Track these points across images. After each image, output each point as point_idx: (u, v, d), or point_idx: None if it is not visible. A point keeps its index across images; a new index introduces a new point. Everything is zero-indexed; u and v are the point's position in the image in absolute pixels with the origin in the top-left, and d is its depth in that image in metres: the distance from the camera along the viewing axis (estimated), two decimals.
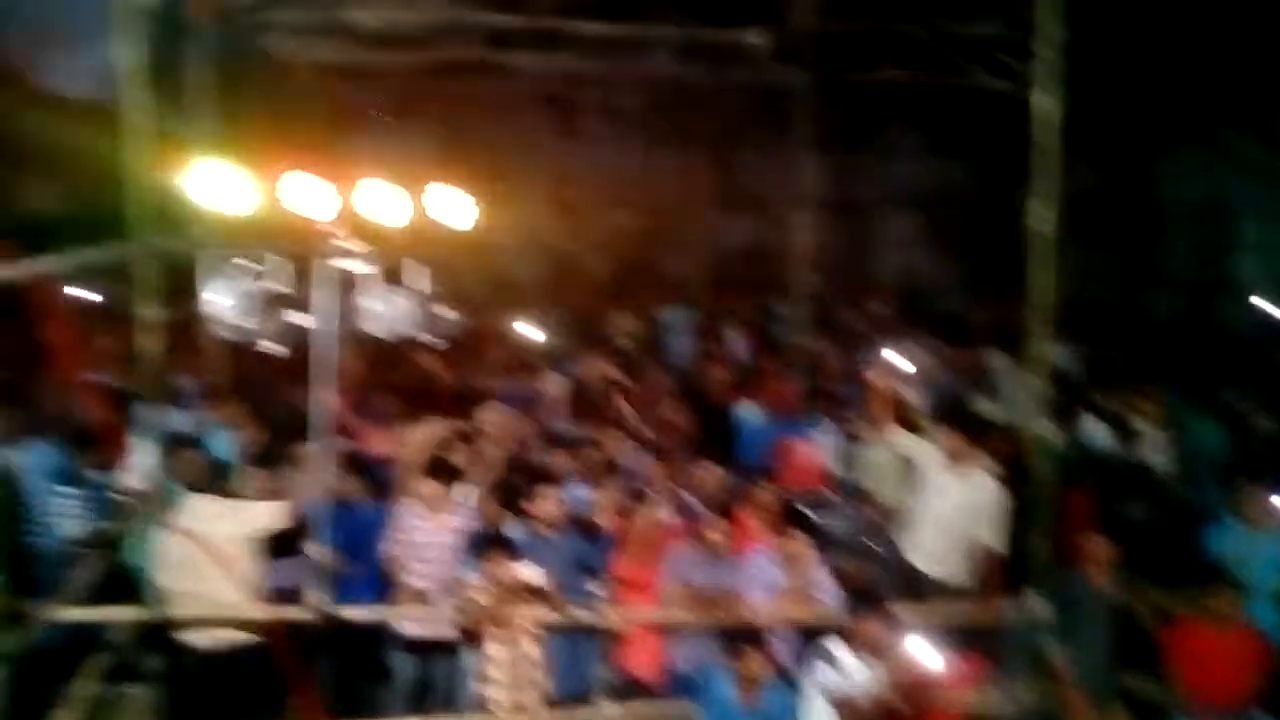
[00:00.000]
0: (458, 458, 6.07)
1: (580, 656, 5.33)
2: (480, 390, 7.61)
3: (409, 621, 5.51)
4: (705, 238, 13.09)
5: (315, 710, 4.70)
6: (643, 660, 5.43)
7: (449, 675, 5.44)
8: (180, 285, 6.67)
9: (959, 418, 6.14)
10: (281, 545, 5.32)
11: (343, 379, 5.37)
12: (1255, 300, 11.37)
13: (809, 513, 5.92)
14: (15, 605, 4.47)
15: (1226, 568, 5.25)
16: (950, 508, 5.78)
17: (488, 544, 5.15)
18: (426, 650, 5.49)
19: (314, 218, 5.93)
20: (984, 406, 7.61)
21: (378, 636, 5.56)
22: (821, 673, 4.60)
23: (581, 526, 5.62)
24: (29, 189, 9.81)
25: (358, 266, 5.87)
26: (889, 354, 6.88)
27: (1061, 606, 5.20)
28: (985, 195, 13.27)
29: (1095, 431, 7.32)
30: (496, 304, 10.51)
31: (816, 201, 9.26)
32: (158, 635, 5.29)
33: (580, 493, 5.97)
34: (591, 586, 5.40)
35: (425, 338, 7.97)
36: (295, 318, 5.41)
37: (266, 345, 7.16)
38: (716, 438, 7.08)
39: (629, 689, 5.43)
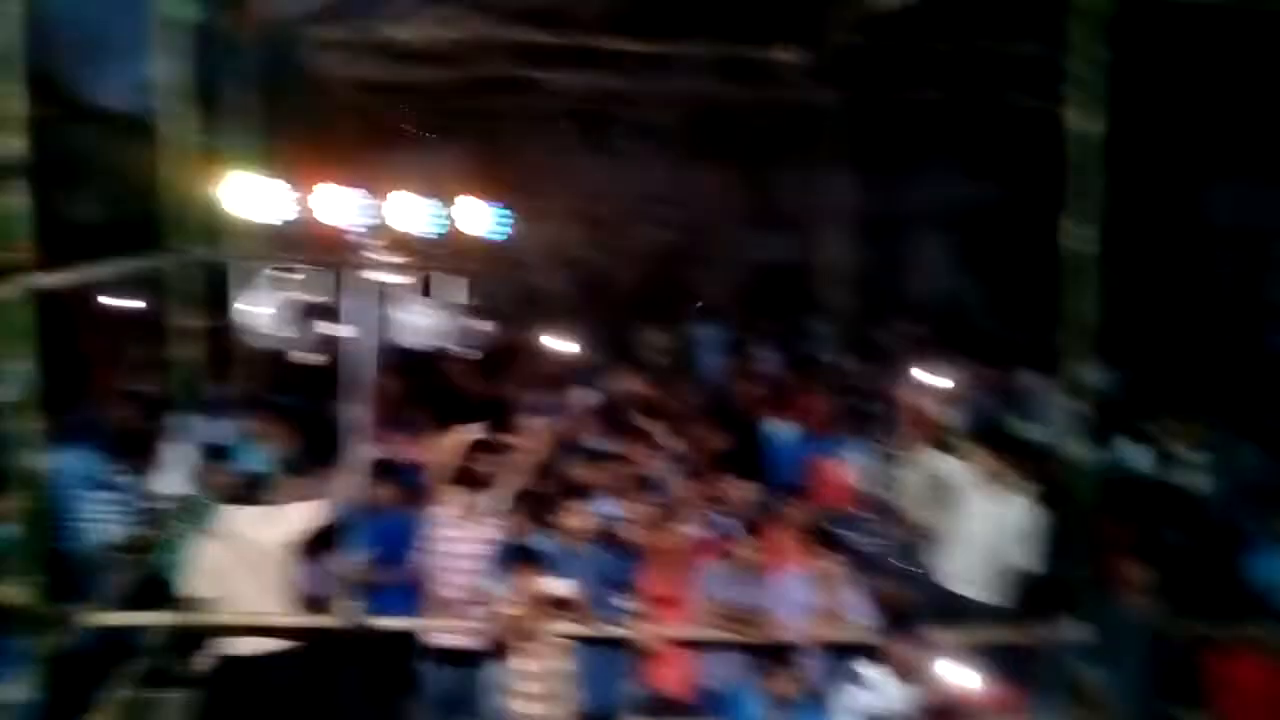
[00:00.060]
0: (486, 468, 6.08)
1: (609, 671, 5.30)
2: (511, 402, 7.62)
3: (439, 632, 5.51)
4: (737, 254, 13.07)
5: None
6: (672, 677, 5.39)
7: (478, 687, 5.43)
8: (217, 295, 6.74)
9: (995, 439, 6.08)
10: (316, 550, 5.34)
11: (375, 389, 5.40)
12: None
13: (841, 532, 5.88)
14: (52, 609, 4.50)
15: (1268, 596, 5.14)
16: (985, 529, 5.71)
17: (517, 556, 5.14)
18: (456, 661, 5.49)
19: (349, 230, 5.98)
20: (1020, 428, 7.52)
21: (408, 646, 5.56)
22: (853, 694, 4.55)
23: (611, 541, 5.60)
24: (71, 200, 9.97)
25: (392, 278, 5.90)
26: (922, 373, 6.82)
27: (1099, 632, 5.11)
28: (1021, 215, 13.18)
29: (1134, 455, 7.22)
30: (527, 317, 10.53)
31: (849, 219, 9.23)
32: (193, 641, 5.33)
33: (610, 507, 5.96)
34: (620, 601, 5.38)
35: (457, 349, 8.01)
36: (330, 328, 5.46)
37: (301, 355, 7.22)
38: (747, 455, 7.03)
39: (658, 705, 5.39)
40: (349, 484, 5.21)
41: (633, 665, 5.39)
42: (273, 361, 8.11)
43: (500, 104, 12.82)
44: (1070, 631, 5.17)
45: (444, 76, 11.53)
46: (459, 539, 5.54)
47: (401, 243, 5.96)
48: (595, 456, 6.64)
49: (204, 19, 6.72)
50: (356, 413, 5.12)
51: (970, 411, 7.72)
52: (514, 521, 5.64)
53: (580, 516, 5.48)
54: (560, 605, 5.02)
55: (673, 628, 5.38)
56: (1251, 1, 7.26)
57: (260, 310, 6.48)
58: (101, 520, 5.87)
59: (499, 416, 6.91)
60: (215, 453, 6.01)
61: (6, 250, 4.09)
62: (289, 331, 8.42)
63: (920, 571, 6.06)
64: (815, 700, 4.79)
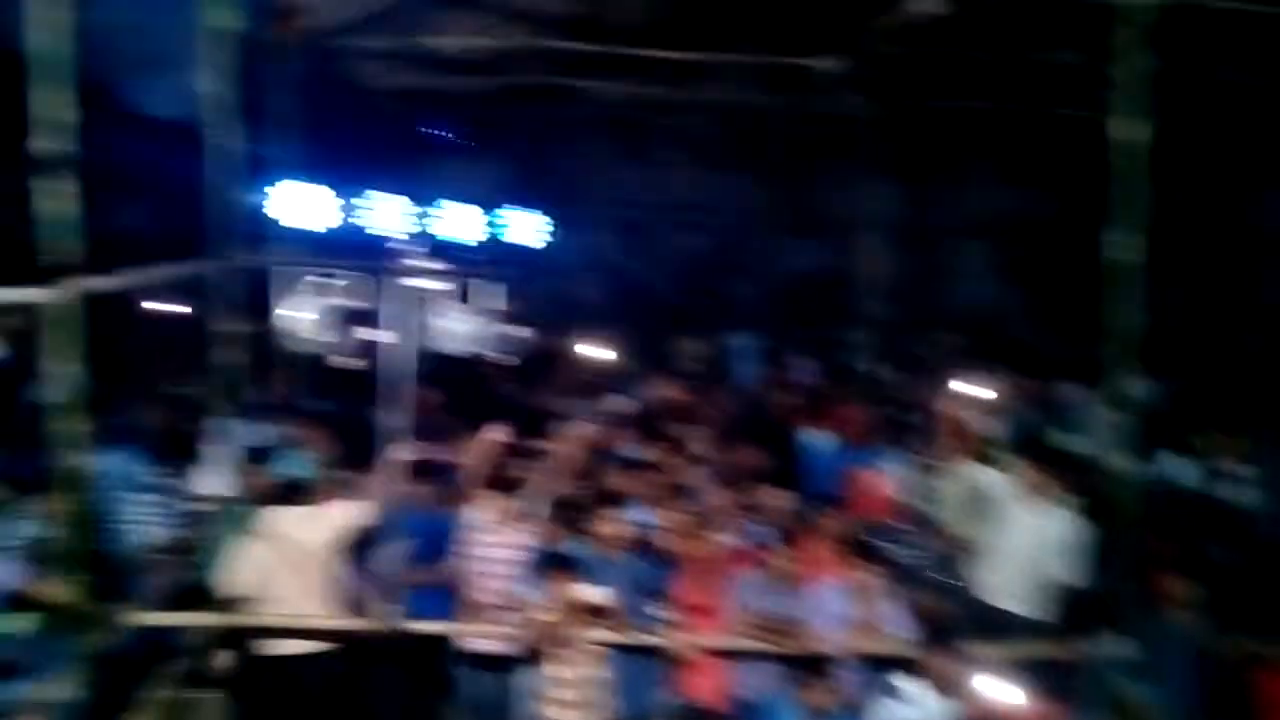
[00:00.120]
0: (522, 473, 6.10)
1: (643, 679, 5.28)
2: (547, 409, 7.64)
3: (474, 637, 5.53)
4: (774, 263, 13.04)
5: None
6: (706, 686, 5.36)
7: (512, 693, 5.44)
8: (260, 301, 6.83)
9: (1036, 451, 6.00)
10: (355, 551, 5.37)
11: (413, 394, 5.44)
12: None
13: (878, 543, 5.83)
14: (95, 609, 4.56)
15: None
16: (1026, 543, 5.63)
17: (552, 563, 5.15)
18: (490, 666, 5.50)
19: (390, 237, 6.04)
20: (1062, 440, 7.42)
21: (444, 650, 5.58)
22: (890, 707, 4.50)
23: (646, 549, 5.59)
24: (117, 207, 10.15)
25: (430, 285, 5.95)
26: (962, 384, 6.76)
27: (1143, 649, 5.02)
28: (1062, 224, 13.04)
29: (1178, 468, 7.10)
30: (564, 324, 10.56)
31: (887, 228, 9.17)
32: (233, 641, 5.38)
33: (645, 515, 5.95)
34: (655, 610, 5.36)
35: (494, 355, 8.05)
36: (369, 334, 5.52)
37: (341, 360, 7.30)
38: (783, 464, 7.00)
39: (692, 715, 5.37)
40: (387, 487, 5.25)
41: (667, 674, 5.37)
42: (313, 366, 8.20)
43: (540, 113, 12.92)
44: (1114, 647, 5.08)
45: (484, 86, 11.64)
46: (494, 544, 5.56)
47: (441, 249, 6.01)
48: (630, 464, 6.64)
49: (250, 29, 6.83)
50: (394, 417, 5.15)
51: (1011, 423, 7.64)
52: (549, 527, 5.65)
53: (615, 524, 5.47)
54: (595, 612, 5.01)
55: (707, 637, 5.35)
56: None
57: (301, 316, 6.56)
58: (144, 522, 5.95)
59: (534, 422, 6.93)
60: (255, 455, 6.08)
61: (57, 255, 4.17)
62: (329, 337, 8.51)
63: (959, 584, 5.99)
64: (852, 713, 4.75)
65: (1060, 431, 7.76)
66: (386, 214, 6.88)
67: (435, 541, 5.66)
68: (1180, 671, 4.97)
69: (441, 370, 8.04)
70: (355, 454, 6.15)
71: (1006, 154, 13.20)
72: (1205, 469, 7.03)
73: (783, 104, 11.16)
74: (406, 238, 6.00)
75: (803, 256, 14.23)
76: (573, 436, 6.46)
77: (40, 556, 5.17)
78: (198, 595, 5.52)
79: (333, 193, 7.06)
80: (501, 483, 5.73)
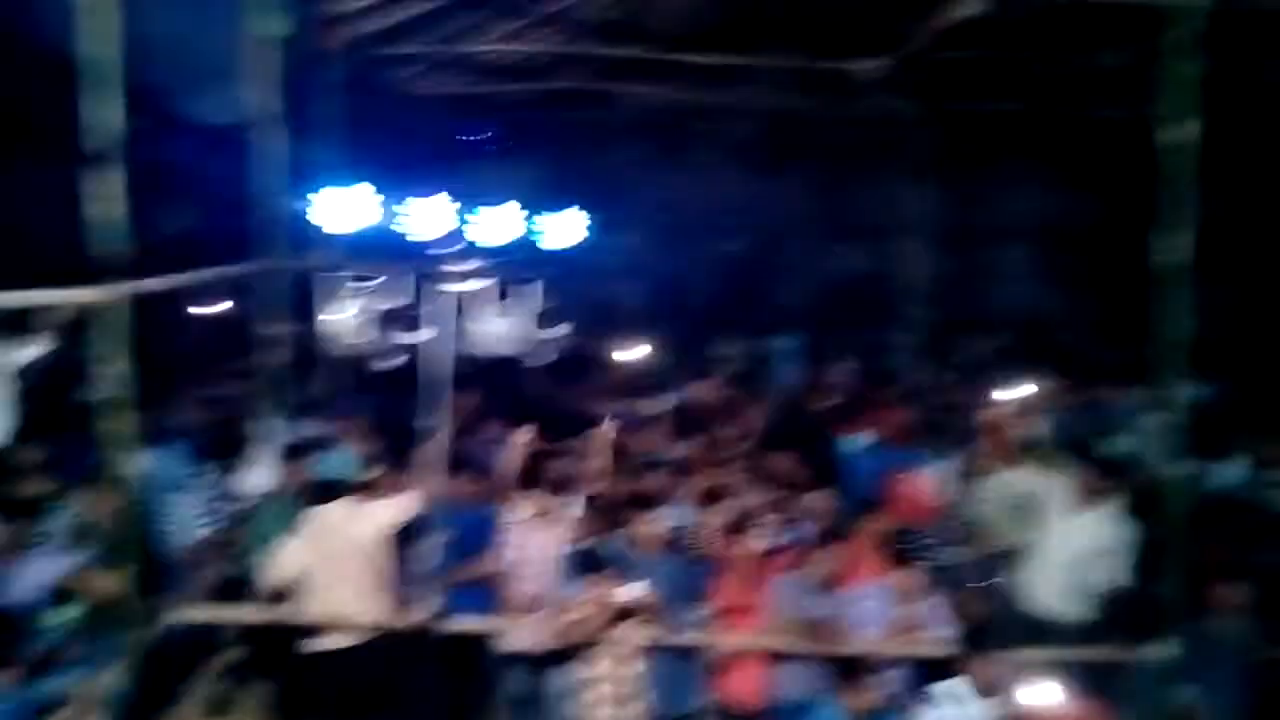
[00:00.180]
0: (560, 472, 6.12)
1: (682, 679, 5.27)
2: (585, 410, 7.66)
3: (514, 634, 5.54)
4: (814, 266, 12.98)
5: None
6: (745, 687, 5.33)
7: (551, 689, 5.45)
8: (303, 302, 6.92)
9: (1083, 455, 5.91)
10: (398, 547, 5.41)
11: (453, 394, 5.47)
12: None
13: (918, 545, 5.77)
14: (140, 603, 4.64)
15: None
16: (1073, 547, 5.55)
17: (590, 561, 5.15)
18: (528, 663, 5.51)
19: (431, 239, 6.08)
20: (1108, 443, 7.31)
21: (482, 646, 5.61)
22: (933, 711, 4.45)
23: (684, 549, 5.58)
24: (166, 212, 10.34)
25: (470, 286, 5.99)
26: (1007, 387, 6.68)
27: (1192, 654, 4.93)
28: (1108, 227, 12.84)
29: (1227, 472, 6.95)
30: (603, 327, 10.58)
31: (930, 231, 9.09)
32: (276, 636, 5.44)
33: (683, 515, 5.94)
34: (693, 609, 5.35)
35: (533, 356, 8.09)
36: (409, 335, 5.57)
37: (382, 361, 7.37)
38: (824, 466, 6.95)
39: (731, 715, 5.35)
40: (427, 486, 5.28)
41: (705, 674, 5.35)
42: (355, 366, 8.27)
43: (579, 117, 12.96)
44: (1160, 652, 4.99)
45: (524, 91, 11.71)
46: (531, 542, 5.58)
47: (480, 252, 6.05)
48: (669, 465, 6.63)
49: (293, 36, 6.93)
50: (434, 417, 5.19)
51: (1056, 426, 7.53)
52: (587, 526, 5.65)
53: (654, 524, 5.46)
54: (632, 612, 5.01)
55: (745, 638, 5.33)
56: None
57: (343, 316, 6.64)
58: (189, 518, 6.03)
59: (572, 423, 6.95)
60: (297, 452, 6.15)
61: (105, 256, 4.25)
62: (370, 337, 8.58)
63: (1001, 587, 5.92)
64: (893, 715, 4.70)
65: (1107, 435, 7.64)
66: (427, 217, 6.93)
67: (474, 540, 5.69)
68: (1228, 677, 4.87)
69: (480, 371, 8.08)
70: (396, 453, 6.20)
71: (1050, 156, 13.02)
72: (1254, 473, 6.88)
73: (823, 107, 11.11)
74: (446, 241, 6.04)
75: (843, 259, 14.15)
76: (609, 437, 6.47)
77: (88, 550, 5.26)
78: (241, 590, 5.59)
79: (374, 197, 7.12)
80: (539, 482, 5.75)
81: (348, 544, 5.21)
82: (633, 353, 8.71)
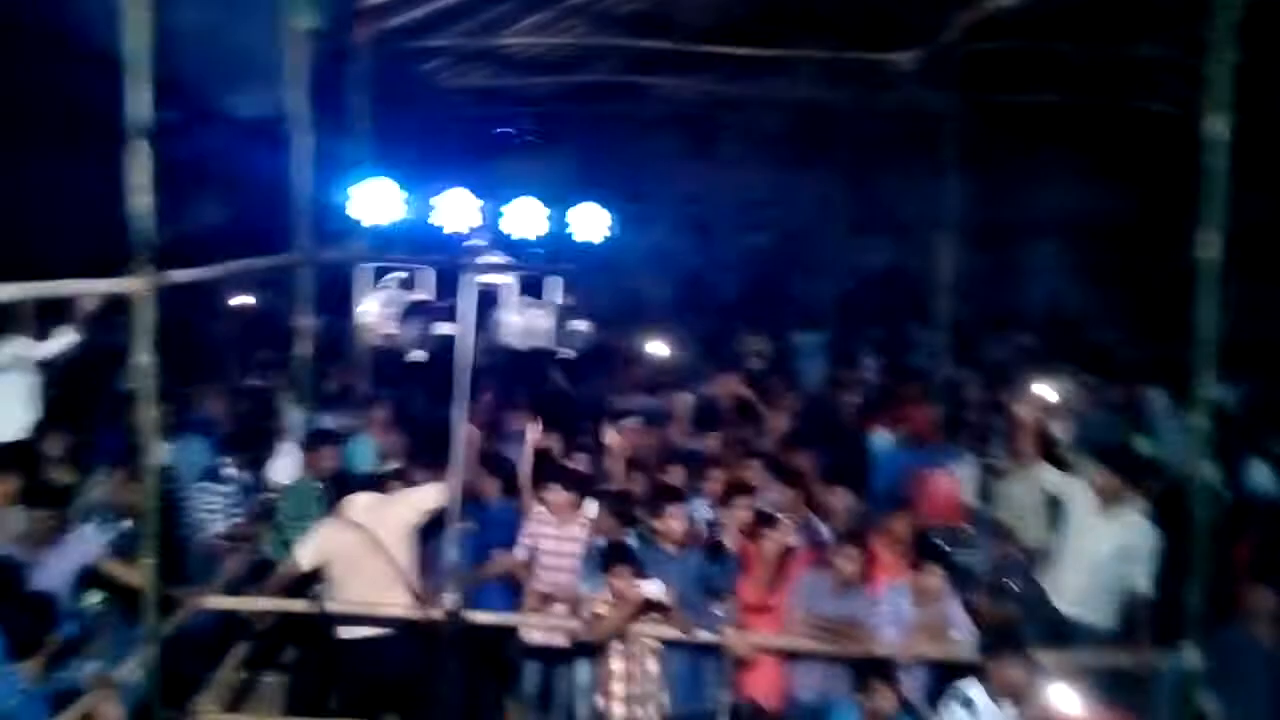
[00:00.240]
0: (581, 467, 6.12)
1: (701, 677, 5.26)
2: (610, 404, 7.67)
3: (534, 628, 5.56)
4: (840, 260, 12.90)
5: None
6: (764, 686, 5.32)
7: (570, 685, 5.46)
8: (333, 294, 6.97)
9: (1112, 456, 5.83)
10: (424, 539, 5.43)
11: (480, 387, 5.48)
12: None
13: (944, 546, 5.72)
14: (166, 592, 4.69)
15: None
16: (1100, 550, 5.48)
17: (611, 557, 5.15)
18: (548, 658, 5.53)
19: (462, 232, 6.09)
20: (1139, 445, 7.21)
21: (504, 640, 5.63)
22: (954, 714, 4.41)
23: (706, 546, 5.57)
24: (200, 203, 10.44)
25: (499, 279, 6.01)
26: (1036, 386, 6.60)
27: (1220, 661, 4.85)
28: (1142, 223, 12.66)
29: (1261, 476, 6.84)
30: (630, 321, 10.58)
31: (960, 226, 8.98)
32: (301, 626, 5.48)
33: (706, 512, 5.92)
34: (715, 607, 5.33)
35: (559, 350, 8.12)
36: (439, 327, 5.60)
37: (411, 353, 7.44)
38: (848, 464, 6.91)
39: (749, 713, 5.34)
40: (454, 479, 5.30)
41: (725, 672, 5.34)
42: (385, 359, 8.33)
43: (607, 110, 12.95)
44: (1188, 658, 4.92)
45: (553, 84, 11.71)
46: (553, 537, 5.59)
47: (509, 245, 6.05)
48: (692, 460, 6.62)
49: (324, 30, 6.97)
50: (462, 410, 5.21)
51: (1085, 426, 7.44)
52: (607, 522, 5.66)
53: (676, 520, 5.45)
54: (653, 608, 5.01)
55: (767, 636, 5.31)
56: None
57: (373, 309, 6.69)
58: (214, 509, 6.09)
59: (597, 418, 6.96)
60: (325, 442, 6.20)
61: (139, 247, 4.29)
62: (400, 330, 8.62)
63: (1027, 590, 5.86)
64: (913, 717, 4.66)
65: (1137, 436, 7.54)
66: (457, 210, 6.96)
67: (497, 536, 5.71)
68: (1255, 685, 4.78)
69: (506, 364, 8.12)
70: (424, 445, 6.24)
71: (1083, 150, 12.85)
72: None
73: (855, 99, 11.02)
74: (477, 234, 6.06)
75: (871, 254, 14.05)
76: (631, 432, 6.47)
77: (116, 538, 5.34)
78: (264, 580, 5.64)
79: (405, 190, 7.16)
80: (560, 477, 5.76)
81: (375, 534, 5.23)
82: (657, 347, 8.70)
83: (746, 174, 14.16)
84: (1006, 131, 11.81)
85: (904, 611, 5.15)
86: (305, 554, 5.26)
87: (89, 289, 5.27)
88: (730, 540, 5.65)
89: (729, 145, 14.22)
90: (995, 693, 4.30)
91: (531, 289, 6.66)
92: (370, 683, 5.27)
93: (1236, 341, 5.20)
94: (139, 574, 4.54)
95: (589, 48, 10.46)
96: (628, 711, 4.96)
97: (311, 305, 6.90)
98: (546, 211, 6.92)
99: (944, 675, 4.85)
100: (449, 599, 4.88)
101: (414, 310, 8.01)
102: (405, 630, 5.23)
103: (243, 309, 10.13)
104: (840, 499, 5.97)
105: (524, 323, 6.10)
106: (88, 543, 5.14)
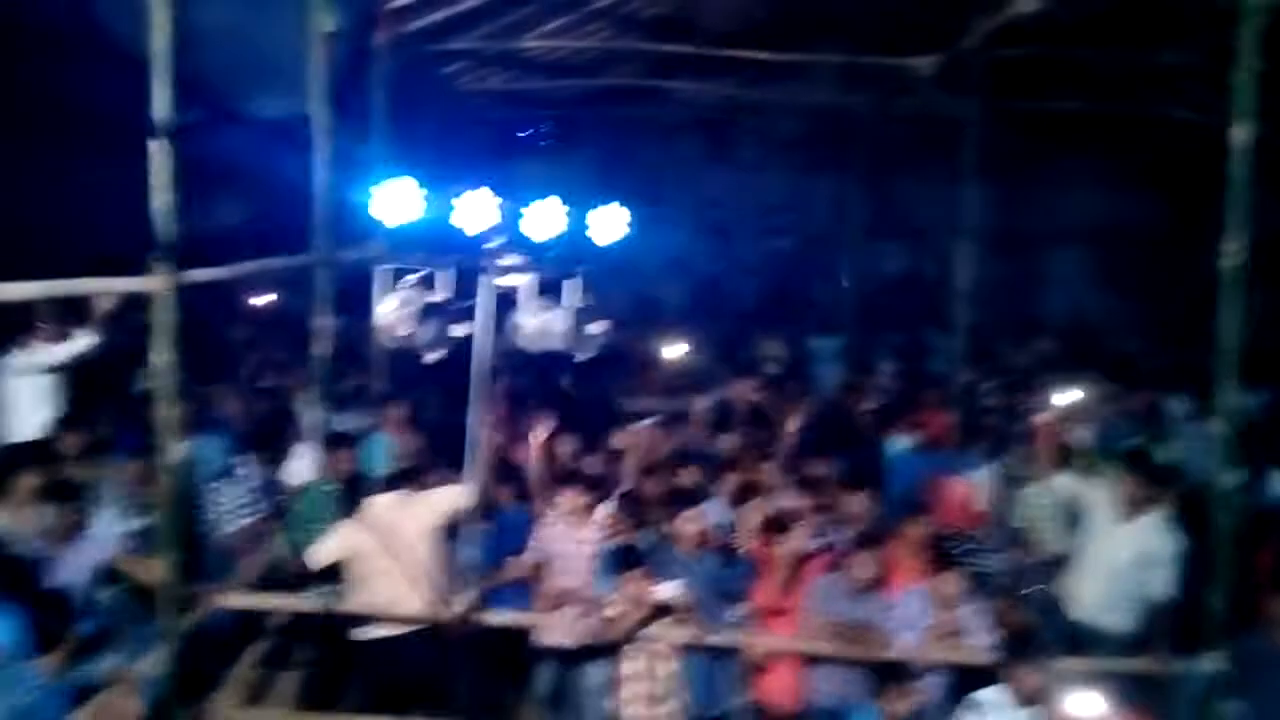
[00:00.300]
0: (596, 469, 6.11)
1: (716, 679, 5.25)
2: (625, 407, 7.67)
3: (548, 630, 5.56)
4: (859, 265, 12.87)
5: None
6: (780, 689, 5.30)
7: (584, 687, 5.46)
8: (350, 295, 6.99)
9: (1132, 463, 5.79)
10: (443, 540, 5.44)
11: (496, 389, 5.49)
12: None
13: (961, 551, 5.69)
14: (184, 588, 4.71)
15: None
16: (1119, 556, 5.44)
17: (626, 559, 5.15)
18: (563, 659, 5.53)
19: (481, 234, 6.11)
20: (1159, 452, 7.16)
21: (519, 641, 5.63)
22: (971, 718, 4.38)
23: (722, 549, 5.55)
24: (221, 203, 10.51)
25: (518, 281, 6.03)
26: (1056, 393, 6.57)
27: (1241, 669, 4.80)
28: (1165, 230, 12.58)
29: None
30: (646, 323, 10.58)
31: (979, 232, 8.95)
32: (317, 624, 5.50)
33: (722, 515, 5.91)
34: (730, 610, 5.32)
35: (576, 352, 8.12)
36: (457, 329, 5.61)
37: (429, 355, 7.45)
38: (864, 469, 6.89)
39: (765, 717, 5.32)
40: (471, 481, 5.32)
41: (740, 675, 5.33)
42: (401, 359, 8.34)
43: (626, 113, 12.97)
44: (1209, 666, 4.88)
45: (573, 87, 11.74)
46: (567, 539, 5.59)
47: (528, 247, 6.07)
48: (708, 463, 6.61)
49: (345, 31, 7.00)
50: (479, 411, 5.22)
51: (1104, 433, 7.39)
52: (622, 524, 5.65)
53: (692, 523, 5.44)
54: (668, 610, 5.00)
55: (781, 639, 5.29)
56: None
57: (391, 310, 6.71)
58: (232, 507, 6.12)
59: (611, 420, 6.96)
60: (342, 442, 6.22)
61: (160, 246, 4.32)
62: (418, 330, 8.63)
63: (1046, 596, 5.83)
64: None
65: (1158, 442, 7.48)
66: (476, 212, 6.95)
67: (513, 540, 5.72)
68: (1278, 693, 4.74)
69: (523, 366, 8.13)
70: (439, 446, 6.26)
71: (1104, 157, 12.79)
72: None
73: (874, 104, 11.00)
74: (495, 235, 6.05)
75: (890, 259, 14.01)
76: (649, 434, 6.46)
77: (135, 534, 5.37)
78: (284, 578, 5.66)
79: (423, 191, 7.18)
80: (574, 479, 5.76)
81: (397, 534, 5.24)
82: (674, 350, 8.70)
83: (765, 178, 14.15)
84: (1027, 138, 11.76)
85: (921, 616, 5.13)
86: (323, 551, 5.28)
87: (110, 287, 5.31)
88: (746, 543, 5.64)
89: (748, 149, 14.22)
90: (1014, 699, 4.27)
91: (549, 291, 6.64)
92: (390, 683, 5.28)
93: (1259, 349, 5.16)
94: (156, 570, 4.57)
95: (610, 51, 10.48)
96: (645, 713, 4.95)
97: (330, 305, 6.93)
98: (565, 214, 6.91)
99: (962, 680, 4.83)
100: (463, 600, 4.90)
101: (432, 311, 8.00)
102: (424, 631, 5.23)
103: (261, 308, 10.19)
104: (857, 503, 5.94)
105: (541, 325, 6.09)
106: (106, 539, 5.17)
